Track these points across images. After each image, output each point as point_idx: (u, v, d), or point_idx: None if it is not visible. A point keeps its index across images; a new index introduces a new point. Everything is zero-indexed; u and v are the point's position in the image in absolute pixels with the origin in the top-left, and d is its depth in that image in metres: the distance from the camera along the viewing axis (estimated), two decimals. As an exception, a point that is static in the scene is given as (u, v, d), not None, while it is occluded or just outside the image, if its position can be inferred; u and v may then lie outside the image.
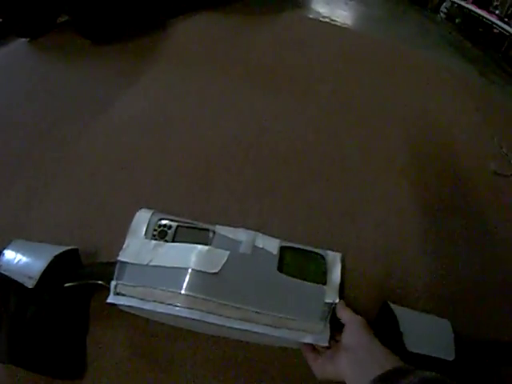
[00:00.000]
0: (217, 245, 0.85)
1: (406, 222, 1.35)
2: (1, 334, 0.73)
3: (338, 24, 3.46)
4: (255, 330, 0.75)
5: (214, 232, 0.89)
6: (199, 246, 0.82)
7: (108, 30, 2.11)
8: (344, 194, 1.39)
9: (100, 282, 0.83)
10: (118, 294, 0.79)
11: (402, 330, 0.77)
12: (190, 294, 0.75)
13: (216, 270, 0.78)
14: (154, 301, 0.76)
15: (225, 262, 0.80)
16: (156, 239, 0.86)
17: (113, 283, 0.79)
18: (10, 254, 0.81)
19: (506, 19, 5.07)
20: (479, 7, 4.99)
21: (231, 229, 0.90)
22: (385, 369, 0.56)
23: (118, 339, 0.88)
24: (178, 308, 0.74)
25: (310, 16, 3.54)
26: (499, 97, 2.97)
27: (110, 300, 0.79)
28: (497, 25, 4.34)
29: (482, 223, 1.47)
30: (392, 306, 0.85)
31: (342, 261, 0.92)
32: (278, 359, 0.88)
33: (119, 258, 0.82)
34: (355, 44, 2.99)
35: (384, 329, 0.79)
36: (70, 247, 0.89)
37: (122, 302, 0.78)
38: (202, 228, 0.90)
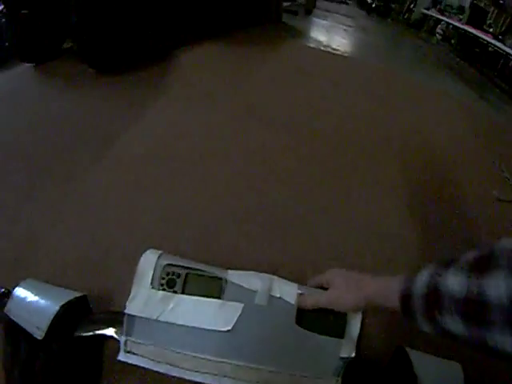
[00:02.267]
0: (229, 296, 0.78)
1: (413, 259, 1.38)
2: (14, 378, 0.75)
3: (339, 53, 3.58)
4: None
5: (226, 280, 0.81)
6: (210, 301, 0.77)
7: (113, 59, 2.13)
8: (349, 232, 1.40)
9: (110, 335, 0.80)
10: (128, 352, 0.76)
11: (416, 372, 0.74)
12: (203, 356, 0.73)
13: (229, 328, 0.73)
14: (167, 363, 0.74)
15: (239, 317, 0.74)
16: (164, 289, 0.79)
17: (122, 339, 0.76)
18: (19, 298, 0.78)
19: (500, 37, 5.21)
20: (474, 27, 5.13)
21: (244, 274, 0.83)
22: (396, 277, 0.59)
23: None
24: (191, 372, 0.73)
25: (311, 45, 3.66)
26: (497, 118, 3.04)
27: (120, 358, 0.76)
28: (491, 43, 4.45)
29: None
30: (407, 349, 0.81)
31: (363, 312, 0.84)
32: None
33: (126, 311, 0.77)
34: (355, 73, 3.09)
35: (398, 372, 0.78)
36: (79, 294, 0.85)
37: (133, 362, 0.76)
38: (212, 276, 0.82)
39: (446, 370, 0.80)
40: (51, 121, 1.66)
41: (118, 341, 0.77)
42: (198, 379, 0.72)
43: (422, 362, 0.78)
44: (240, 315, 0.75)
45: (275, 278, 0.83)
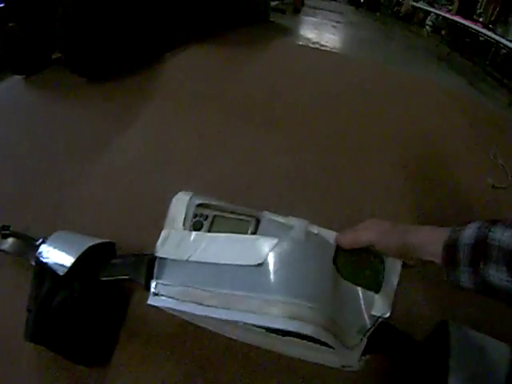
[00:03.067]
0: (263, 231, 0.73)
1: None
2: (31, 315, 0.79)
3: (328, 49, 3.60)
4: (302, 331, 0.61)
5: (259, 219, 0.76)
6: (241, 236, 0.73)
7: (102, 67, 2.16)
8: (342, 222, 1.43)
9: (133, 277, 0.82)
10: (156, 294, 0.74)
11: (450, 363, 0.64)
12: (230, 292, 0.68)
13: (260, 261, 0.67)
14: (192, 302, 0.70)
15: (271, 250, 0.68)
16: (196, 230, 0.77)
17: (153, 283, 0.75)
18: (51, 242, 0.87)
19: (491, 25, 5.25)
20: (464, 17, 5.17)
21: (281, 216, 0.76)
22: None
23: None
24: (216, 309, 0.67)
25: (300, 43, 3.68)
26: (490, 106, 3.05)
27: (150, 302, 0.74)
28: (482, 33, 4.48)
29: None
30: (452, 328, 0.70)
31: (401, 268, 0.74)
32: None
33: (157, 254, 0.76)
34: (345, 68, 3.10)
35: (432, 354, 0.69)
36: (106, 240, 0.93)
37: (160, 304, 0.73)
38: (243, 218, 0.77)
39: (490, 348, 0.70)
40: (44, 130, 1.68)
41: (141, 284, 0.78)
42: (223, 316, 0.66)
43: (465, 349, 0.69)
44: (273, 249, 0.68)
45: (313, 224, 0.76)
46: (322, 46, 3.69)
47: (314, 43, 3.72)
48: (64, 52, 2.05)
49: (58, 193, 1.33)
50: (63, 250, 0.84)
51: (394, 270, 0.70)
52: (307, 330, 0.60)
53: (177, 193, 0.82)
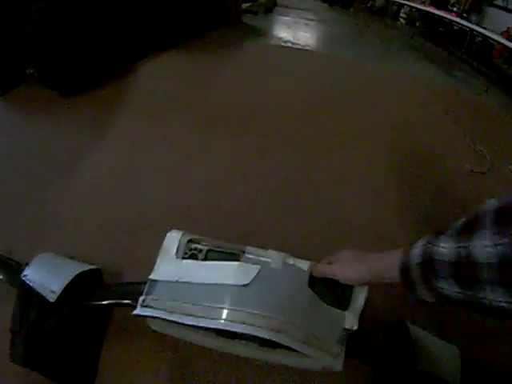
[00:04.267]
0: (248, 261, 0.85)
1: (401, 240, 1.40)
2: (18, 338, 0.80)
3: (299, 47, 3.62)
4: (284, 342, 0.74)
5: (244, 252, 0.89)
6: (230, 263, 0.84)
7: (75, 80, 2.16)
8: (321, 225, 1.43)
9: (126, 302, 0.87)
10: (145, 306, 0.80)
11: (415, 349, 0.81)
12: (218, 305, 0.76)
13: (246, 282, 0.78)
14: (182, 314, 0.77)
15: (256, 275, 0.80)
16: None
17: (141, 298, 0.81)
18: (37, 265, 0.88)
19: (465, 14, 5.35)
20: (437, 8, 5.26)
21: (261, 250, 0.89)
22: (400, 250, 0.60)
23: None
24: (205, 319, 0.75)
25: (272, 42, 3.69)
26: (467, 93, 3.09)
27: (136, 312, 0.79)
28: (456, 22, 4.56)
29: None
30: (409, 325, 0.89)
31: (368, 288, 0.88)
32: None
33: (151, 277, 0.84)
34: (317, 65, 3.12)
35: (396, 345, 0.85)
36: (93, 267, 0.95)
37: (148, 314, 0.79)
38: (231, 252, 0.90)
39: (444, 350, 0.87)
40: (20, 149, 1.70)
41: (133, 307, 0.82)
42: (211, 325, 0.74)
43: (422, 340, 0.85)
44: (256, 274, 0.80)
45: (289, 255, 0.89)
46: (295, 44, 3.70)
47: (285, 42, 3.74)
48: (35, 66, 2.04)
49: (36, 212, 1.36)
50: (51, 275, 0.86)
51: (361, 291, 0.84)
52: (286, 341, 0.73)
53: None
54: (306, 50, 3.58)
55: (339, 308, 0.83)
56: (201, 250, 0.89)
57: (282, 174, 1.66)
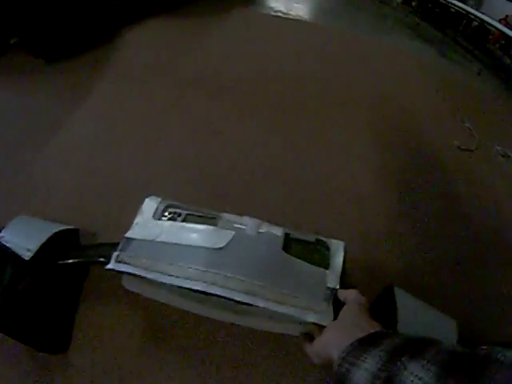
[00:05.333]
0: (223, 227, 0.88)
1: (381, 204, 1.41)
2: None
3: (291, 17, 3.54)
4: (260, 304, 0.75)
5: (221, 217, 0.92)
6: (206, 226, 0.86)
7: (59, 47, 2.12)
8: (300, 186, 1.42)
9: (101, 259, 0.85)
10: (119, 262, 0.80)
11: (398, 318, 0.78)
12: (194, 266, 0.78)
13: (221, 245, 0.81)
14: (157, 271, 0.77)
15: (230, 240, 0.83)
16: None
17: (115, 253, 0.81)
18: (12, 227, 0.87)
19: (464, -3, 5.32)
20: (434, -12, 5.22)
21: (237, 216, 0.93)
22: (368, 332, 0.55)
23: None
24: (180, 279, 0.76)
25: (262, 11, 3.60)
26: (459, 74, 3.09)
27: (109, 266, 0.79)
28: (453, 4, 4.54)
29: (454, 201, 1.52)
30: (396, 290, 0.86)
31: (345, 249, 0.92)
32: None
33: (127, 235, 0.84)
34: (308, 35, 3.06)
35: (380, 313, 0.77)
36: (70, 227, 0.96)
37: (122, 269, 0.79)
38: (209, 216, 0.94)
39: (439, 321, 0.86)
40: (3, 117, 1.68)
41: (106, 264, 0.81)
42: (187, 285, 0.75)
43: (410, 309, 0.84)
44: (231, 239, 0.83)
45: (264, 222, 0.93)
46: (285, 14, 3.61)
47: (276, 12, 3.64)
48: (18, 33, 2.02)
49: (12, 178, 1.34)
50: (27, 235, 0.86)
51: (336, 251, 0.90)
52: (260, 303, 0.75)
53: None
54: (297, 20, 3.50)
55: (320, 266, 0.86)
56: (180, 214, 0.92)
57: (262, 137, 1.65)
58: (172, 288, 0.79)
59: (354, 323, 0.63)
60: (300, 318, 0.77)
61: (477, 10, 4.39)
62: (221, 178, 1.40)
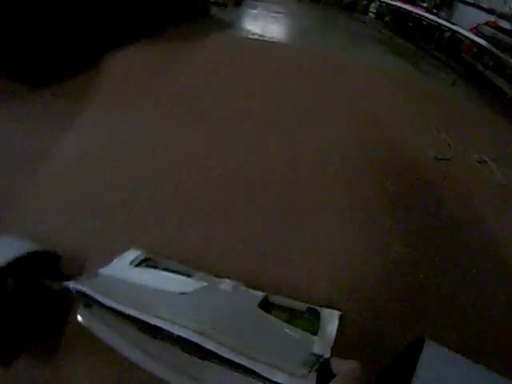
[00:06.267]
0: (197, 279, 0.88)
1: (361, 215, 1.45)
2: None
3: (266, 39, 3.66)
4: (220, 351, 0.66)
5: (198, 274, 0.92)
6: (178, 275, 0.87)
7: (43, 71, 2.16)
8: (285, 212, 1.45)
9: (66, 286, 0.82)
10: (79, 282, 0.78)
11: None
12: (154, 302, 0.74)
13: (187, 291, 0.78)
14: (112, 300, 0.73)
15: (199, 289, 0.80)
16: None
17: (77, 278, 0.80)
18: None
19: (435, 10, 5.54)
20: (406, 2, 5.43)
21: (216, 277, 0.92)
22: None
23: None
24: (133, 310, 0.71)
25: (239, 34, 3.73)
26: (434, 85, 3.21)
27: (66, 285, 0.77)
28: (425, 17, 4.73)
29: (435, 212, 1.58)
30: (429, 345, 0.69)
31: (340, 318, 0.87)
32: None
33: (99, 271, 0.86)
34: (284, 55, 3.17)
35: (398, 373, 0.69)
36: (48, 249, 0.96)
37: (78, 287, 0.76)
38: (186, 273, 0.92)
39: (475, 374, 0.68)
40: None
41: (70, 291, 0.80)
42: (138, 316, 0.71)
43: (441, 358, 0.69)
44: (201, 288, 0.81)
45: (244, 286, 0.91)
46: (262, 36, 3.75)
47: (253, 34, 3.78)
48: (2, 58, 2.02)
49: (1, 206, 1.35)
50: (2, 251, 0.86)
51: (330, 320, 0.85)
52: (210, 345, 0.67)
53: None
54: (273, 41, 3.63)
55: (307, 331, 0.80)
56: (156, 267, 0.92)
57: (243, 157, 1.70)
58: (129, 336, 0.76)
59: None
60: (267, 376, 0.66)
61: (448, 21, 4.58)
62: (199, 198, 1.44)
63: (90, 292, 0.75)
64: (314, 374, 0.66)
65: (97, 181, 1.48)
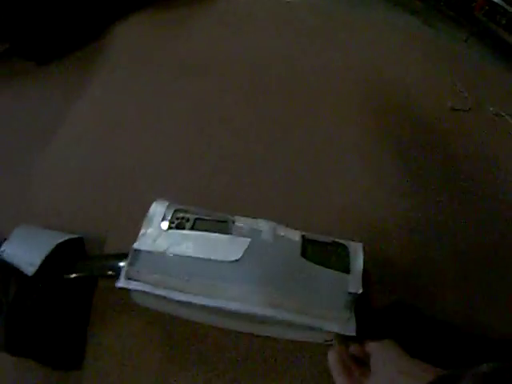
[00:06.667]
0: (237, 234, 0.86)
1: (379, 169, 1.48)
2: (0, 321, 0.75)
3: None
4: (281, 316, 0.73)
5: (234, 221, 0.89)
6: (219, 236, 0.84)
7: (50, 48, 2.10)
8: (305, 160, 1.49)
9: (109, 273, 0.84)
10: (129, 278, 0.78)
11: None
12: (208, 282, 0.76)
13: (237, 257, 0.79)
14: (170, 288, 0.76)
15: (246, 249, 0.81)
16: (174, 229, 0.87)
17: (124, 268, 0.79)
18: (14, 239, 0.85)
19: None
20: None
21: (251, 219, 0.91)
22: (427, 380, 0.48)
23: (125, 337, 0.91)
24: (196, 296, 0.75)
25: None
26: (446, 42, 3.13)
27: (120, 284, 0.77)
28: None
29: (451, 161, 1.60)
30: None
31: (364, 250, 0.90)
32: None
33: (134, 247, 0.82)
34: (293, 17, 3.06)
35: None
36: (74, 236, 0.94)
37: (133, 287, 0.77)
38: (220, 220, 0.90)
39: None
40: None
41: (115, 277, 0.80)
42: (204, 302, 0.74)
43: None
44: (247, 248, 0.81)
45: (280, 225, 0.92)
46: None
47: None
48: (8, 36, 1.97)
49: (10, 183, 1.33)
50: (30, 248, 0.84)
51: (356, 254, 0.88)
52: (282, 315, 0.74)
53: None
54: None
55: (340, 271, 0.84)
56: (188, 219, 0.89)
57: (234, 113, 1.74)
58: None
59: (403, 371, 0.53)
60: (322, 328, 0.75)
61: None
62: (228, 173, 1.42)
63: (145, 288, 0.77)
64: (353, 314, 0.77)
65: (109, 157, 1.47)
